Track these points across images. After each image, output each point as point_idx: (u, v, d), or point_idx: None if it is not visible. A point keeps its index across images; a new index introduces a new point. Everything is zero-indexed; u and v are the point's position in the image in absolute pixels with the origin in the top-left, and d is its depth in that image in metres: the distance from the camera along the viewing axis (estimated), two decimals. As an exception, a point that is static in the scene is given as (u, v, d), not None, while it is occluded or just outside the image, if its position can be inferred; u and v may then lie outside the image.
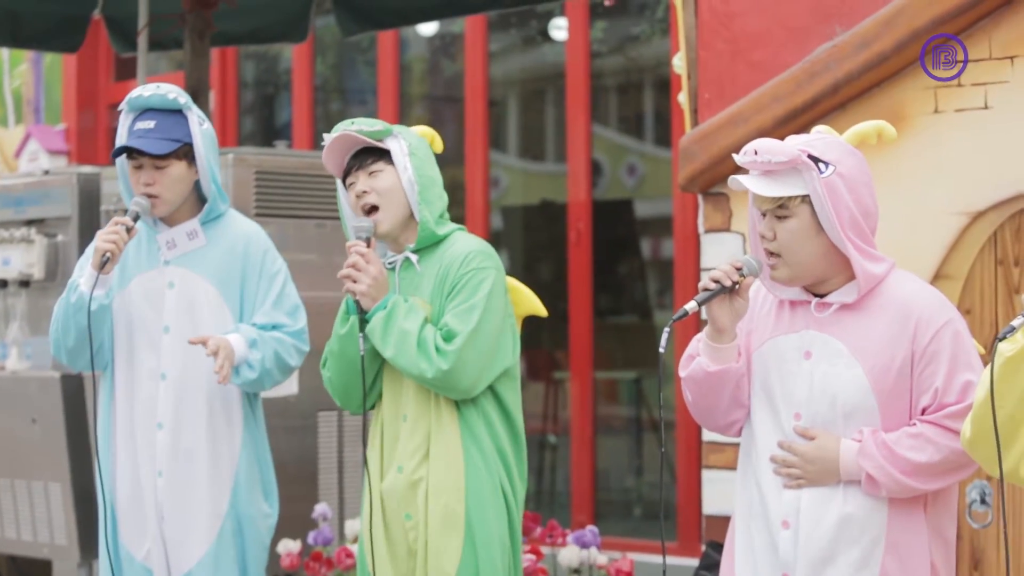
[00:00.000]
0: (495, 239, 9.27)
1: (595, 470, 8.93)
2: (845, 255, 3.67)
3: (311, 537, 6.30)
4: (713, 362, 3.75)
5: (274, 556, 6.17)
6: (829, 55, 5.37)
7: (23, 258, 6.79)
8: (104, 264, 4.58)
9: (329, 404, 5.95)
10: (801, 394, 3.72)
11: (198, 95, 7.19)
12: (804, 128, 5.05)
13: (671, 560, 7.70)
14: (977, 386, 3.44)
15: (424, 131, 4.51)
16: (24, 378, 6.74)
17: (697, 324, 4.38)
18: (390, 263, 4.41)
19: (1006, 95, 5.10)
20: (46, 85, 11.47)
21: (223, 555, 4.75)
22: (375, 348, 4.33)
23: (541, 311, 4.55)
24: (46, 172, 7.06)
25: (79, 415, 6.55)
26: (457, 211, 8.96)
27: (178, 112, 4.72)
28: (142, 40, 7.77)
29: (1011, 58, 5.10)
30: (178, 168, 4.72)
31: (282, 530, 5.37)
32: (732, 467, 4.14)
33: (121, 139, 4.74)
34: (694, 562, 6.12)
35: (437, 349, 4.23)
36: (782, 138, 3.74)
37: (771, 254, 3.70)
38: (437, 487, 4.29)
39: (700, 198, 5.77)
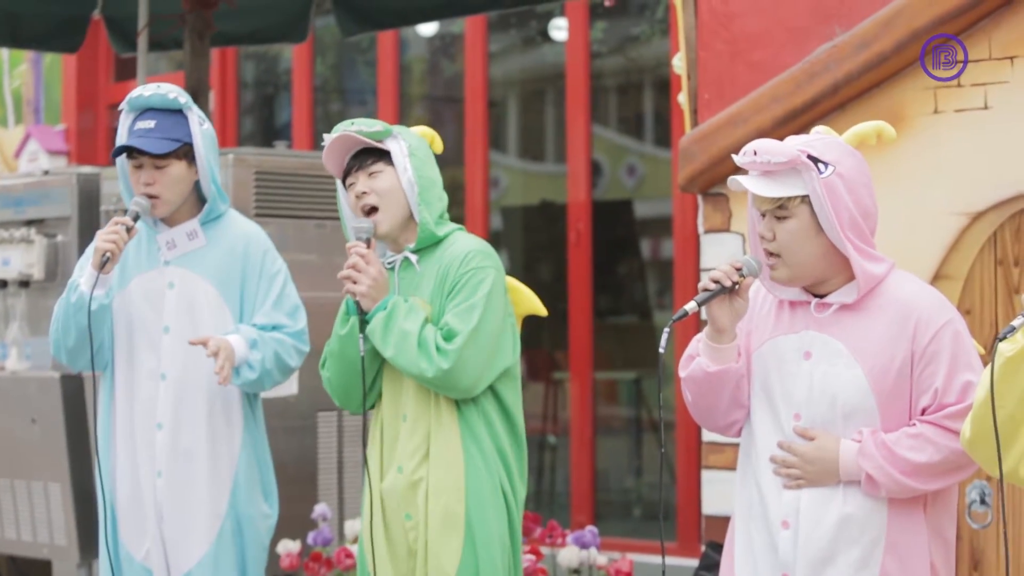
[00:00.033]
0: (495, 239, 9.27)
1: (595, 470, 8.93)
2: (845, 255, 3.67)
3: (311, 537, 6.30)
4: (713, 362, 3.75)
5: (273, 556, 6.17)
6: (829, 56, 5.37)
7: (23, 258, 6.80)
8: (104, 264, 4.58)
9: (329, 404, 5.95)
10: (801, 394, 3.72)
11: (198, 95, 7.19)
12: (804, 129, 5.05)
13: (671, 560, 7.70)
14: (977, 386, 3.44)
15: (424, 131, 4.51)
16: (24, 378, 6.75)
17: (697, 324, 4.39)
18: (389, 263, 4.41)
19: (1006, 95, 5.10)
20: (46, 85, 11.47)
21: (222, 555, 4.75)
22: (375, 348, 4.33)
23: (541, 311, 4.55)
24: (46, 172, 7.06)
25: (79, 415, 6.55)
26: (457, 211, 8.98)
27: (178, 112, 4.72)
28: (142, 40, 7.77)
29: (1011, 58, 5.10)
30: (178, 168, 4.72)
31: (281, 530, 5.37)
32: (732, 467, 4.14)
33: (121, 139, 4.73)
34: (694, 562, 6.12)
35: (438, 348, 4.23)
36: (781, 139, 3.74)
37: (771, 254, 3.70)
38: (437, 487, 4.28)
39: (700, 198, 5.77)
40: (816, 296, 3.74)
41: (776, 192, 3.65)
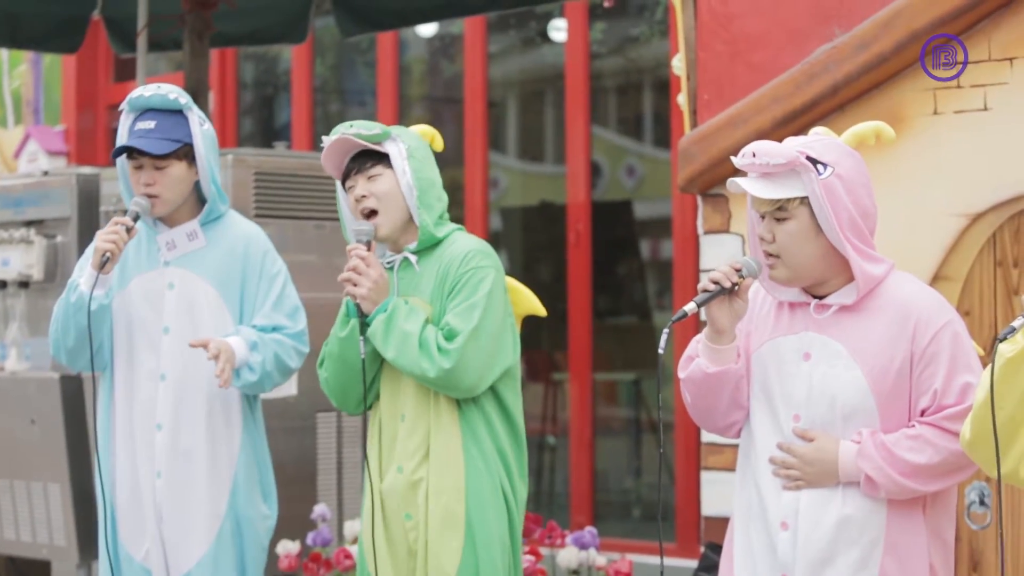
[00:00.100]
0: (494, 240, 9.28)
1: (594, 471, 8.93)
2: (844, 256, 3.67)
3: (310, 538, 6.30)
4: (712, 363, 3.75)
5: (273, 557, 6.17)
6: (828, 57, 5.37)
7: (22, 259, 6.80)
8: (104, 264, 4.58)
9: (328, 405, 5.95)
10: (800, 395, 3.72)
11: (197, 96, 7.19)
12: (803, 130, 5.05)
13: (670, 561, 7.71)
14: (976, 387, 3.44)
15: (424, 130, 4.50)
16: (23, 379, 6.75)
17: (696, 325, 4.38)
18: (388, 263, 4.41)
19: (1005, 97, 5.11)
20: (45, 86, 11.47)
21: (222, 556, 4.75)
22: (375, 349, 4.33)
23: (540, 311, 4.55)
24: (45, 173, 7.06)
25: (78, 416, 6.55)
26: (456, 212, 8.96)
27: (179, 112, 4.72)
28: (141, 41, 7.77)
29: (1010, 60, 5.10)
30: (178, 168, 4.72)
31: (281, 531, 5.37)
32: (731, 468, 4.14)
33: (121, 139, 4.73)
34: (693, 563, 6.12)
35: (439, 348, 4.23)
36: (781, 140, 3.74)
37: (770, 256, 3.70)
38: (437, 487, 4.28)
39: (699, 199, 5.77)
40: (815, 297, 3.74)
41: (775, 194, 3.65)
